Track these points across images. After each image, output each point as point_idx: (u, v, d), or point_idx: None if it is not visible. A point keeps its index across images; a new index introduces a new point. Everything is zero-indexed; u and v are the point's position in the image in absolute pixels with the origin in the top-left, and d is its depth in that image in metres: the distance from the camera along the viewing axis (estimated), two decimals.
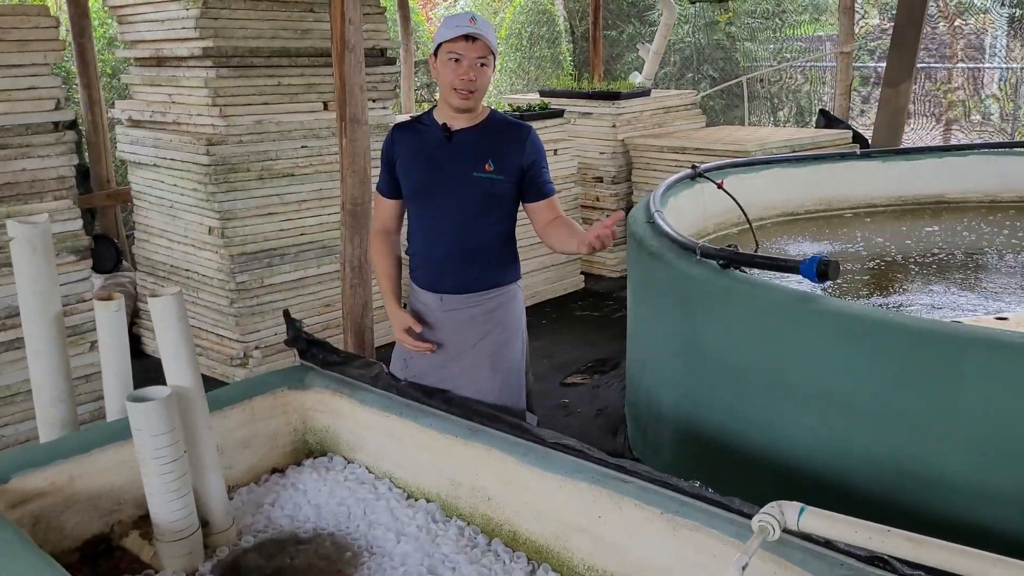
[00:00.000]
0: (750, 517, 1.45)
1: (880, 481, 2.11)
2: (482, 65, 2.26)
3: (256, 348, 4.19)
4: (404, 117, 5.44)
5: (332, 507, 2.09)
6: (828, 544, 1.47)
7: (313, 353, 2.40)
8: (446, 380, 2.35)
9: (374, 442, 2.21)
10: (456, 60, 2.25)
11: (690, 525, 1.59)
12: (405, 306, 2.49)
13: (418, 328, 2.37)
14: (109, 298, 2.16)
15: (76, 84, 5.03)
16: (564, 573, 1.80)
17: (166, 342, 1.90)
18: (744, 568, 1.31)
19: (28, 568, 1.50)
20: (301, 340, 2.40)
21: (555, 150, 5.58)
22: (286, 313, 2.46)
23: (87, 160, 5.27)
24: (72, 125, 3.49)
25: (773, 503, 1.41)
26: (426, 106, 9.24)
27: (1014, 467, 1.91)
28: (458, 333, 2.38)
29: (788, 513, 1.39)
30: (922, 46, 12.15)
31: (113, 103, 4.76)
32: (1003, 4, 10.85)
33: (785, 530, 1.43)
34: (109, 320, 2.15)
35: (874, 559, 1.42)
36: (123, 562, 1.90)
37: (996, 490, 1.93)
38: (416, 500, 2.09)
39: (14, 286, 3.28)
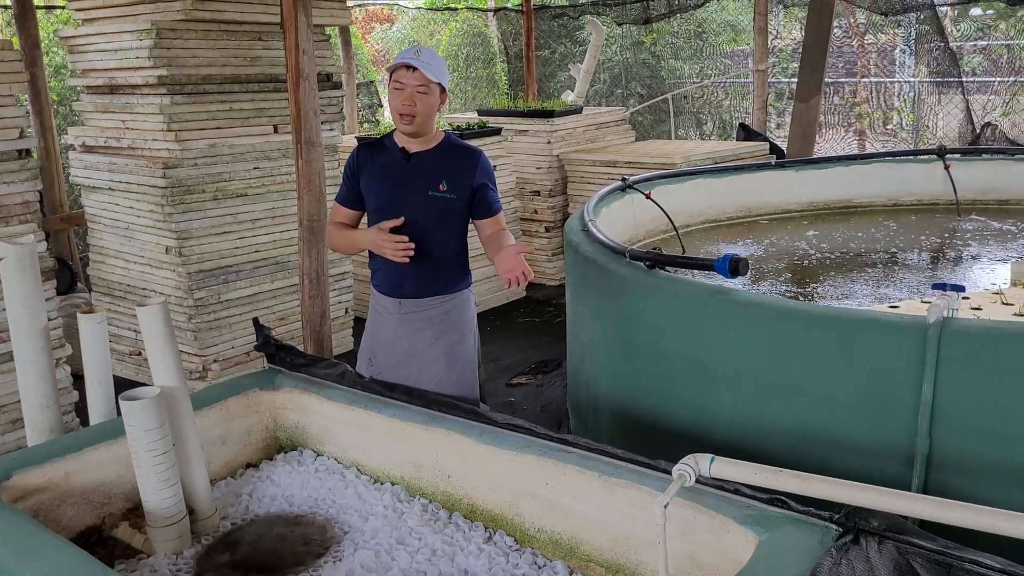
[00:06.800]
0: None
1: (788, 445, 2.39)
2: (422, 93, 2.44)
3: (215, 361, 4.30)
4: (351, 137, 5.65)
5: (304, 496, 2.22)
6: (737, 492, 1.74)
7: (281, 357, 2.53)
8: (408, 376, 2.53)
9: (341, 434, 2.35)
10: (399, 88, 2.45)
11: (623, 484, 1.80)
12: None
13: (387, 227, 2.47)
14: (92, 311, 2.35)
15: (27, 112, 5.08)
16: (518, 536, 1.97)
17: (153, 346, 2.06)
18: (666, 507, 1.58)
19: (46, 544, 1.69)
20: (270, 345, 2.54)
21: (495, 166, 5.84)
22: (255, 321, 2.59)
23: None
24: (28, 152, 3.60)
25: (690, 455, 1.67)
26: (368, 127, 9.44)
27: (896, 427, 2.23)
28: (416, 333, 2.58)
29: (701, 463, 1.65)
30: (837, 61, 12.84)
31: (66, 129, 4.84)
32: (899, 24, 11.58)
33: (700, 480, 1.70)
34: (92, 332, 2.31)
35: (774, 500, 1.70)
36: (116, 549, 2.03)
37: (881, 447, 2.25)
38: (382, 484, 2.22)
39: None
